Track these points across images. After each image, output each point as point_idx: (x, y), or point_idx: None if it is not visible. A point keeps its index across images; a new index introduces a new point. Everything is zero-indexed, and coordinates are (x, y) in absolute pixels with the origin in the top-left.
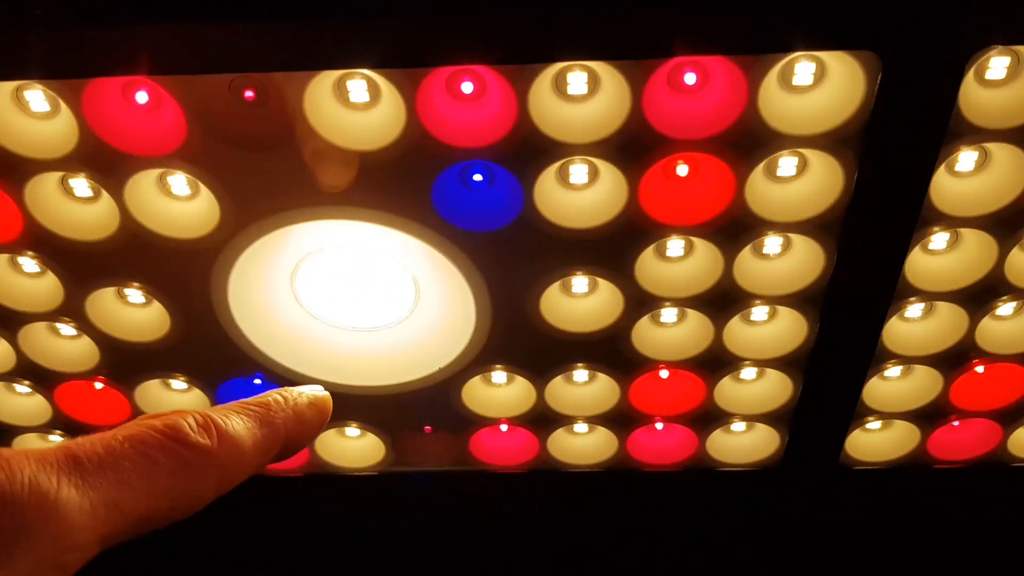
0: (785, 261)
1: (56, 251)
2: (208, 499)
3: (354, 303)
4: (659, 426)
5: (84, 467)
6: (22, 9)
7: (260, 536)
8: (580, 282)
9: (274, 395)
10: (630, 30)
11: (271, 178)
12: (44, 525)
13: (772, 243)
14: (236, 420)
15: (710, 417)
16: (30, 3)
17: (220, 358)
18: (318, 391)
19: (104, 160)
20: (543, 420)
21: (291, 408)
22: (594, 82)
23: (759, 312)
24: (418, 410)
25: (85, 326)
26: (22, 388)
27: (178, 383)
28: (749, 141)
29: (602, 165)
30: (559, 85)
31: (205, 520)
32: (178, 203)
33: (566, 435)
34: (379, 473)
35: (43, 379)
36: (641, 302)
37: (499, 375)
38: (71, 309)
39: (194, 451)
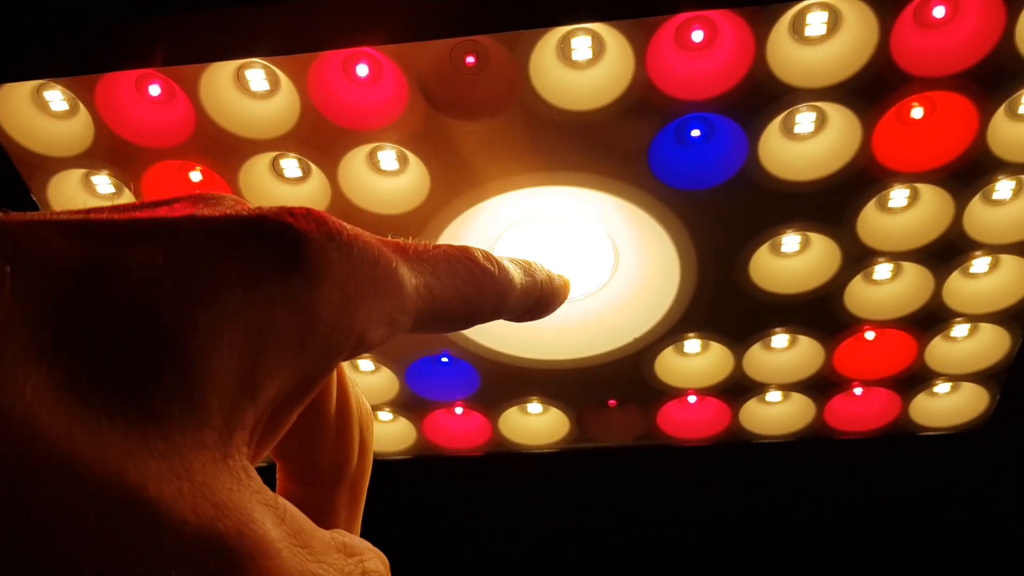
0: (1017, 205)
1: None
2: (484, 318)
3: None
4: (858, 391)
5: (409, 255)
6: None
7: (444, 516)
8: (791, 240)
9: (530, 261)
10: None
11: (482, 148)
12: (388, 283)
13: (1004, 187)
14: (508, 263)
15: (916, 378)
16: None
17: (413, 337)
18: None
19: (322, 138)
20: (738, 389)
21: (546, 273)
22: (835, 20)
23: (980, 263)
24: (605, 383)
25: None
26: None
27: (366, 364)
28: (998, 76)
29: (835, 110)
30: (797, 27)
31: (393, 500)
32: (387, 179)
33: (758, 404)
34: (562, 450)
35: None
36: (858, 258)
37: (693, 344)
38: None
39: (483, 271)
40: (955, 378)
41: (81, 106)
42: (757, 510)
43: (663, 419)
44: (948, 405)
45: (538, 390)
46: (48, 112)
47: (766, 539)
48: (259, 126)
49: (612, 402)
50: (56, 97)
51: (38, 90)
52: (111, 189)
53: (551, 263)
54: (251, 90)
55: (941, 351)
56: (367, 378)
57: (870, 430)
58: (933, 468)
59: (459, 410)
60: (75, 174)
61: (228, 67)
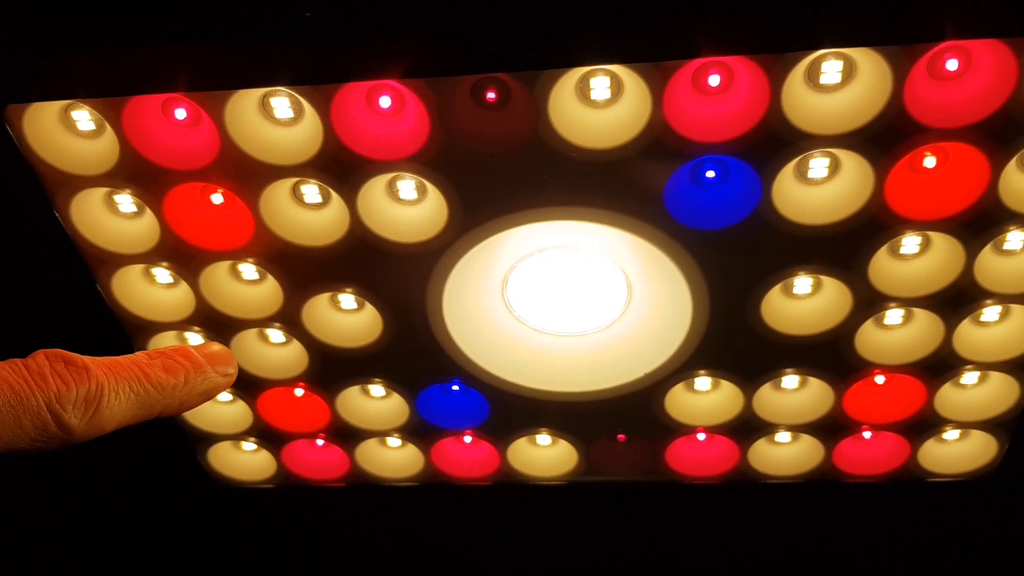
0: None
1: (281, 257)
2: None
3: (562, 308)
4: (867, 435)
5: None
6: (288, 16)
7: (449, 544)
8: (803, 283)
9: (182, 375)
10: (901, 15)
11: (499, 181)
12: None
13: (1015, 238)
14: (121, 401)
15: (926, 424)
16: (300, 6)
17: (424, 364)
18: (219, 381)
19: (342, 166)
20: (747, 428)
21: (179, 396)
22: (850, 70)
23: (991, 312)
24: (615, 417)
25: (298, 332)
26: (223, 395)
27: (377, 389)
28: (1010, 128)
29: (848, 157)
30: (812, 75)
31: (399, 527)
32: (405, 207)
33: (767, 444)
34: (569, 483)
35: (248, 386)
36: (869, 302)
37: (703, 381)
38: (287, 315)
39: (61, 428)
40: (964, 425)
41: (108, 126)
42: (762, 551)
43: (671, 456)
44: (957, 452)
45: (548, 421)
46: (75, 131)
47: None
48: (281, 152)
49: (621, 436)
50: (84, 117)
51: (66, 110)
52: (133, 208)
53: (560, 300)
54: (275, 117)
55: (951, 398)
56: (377, 404)
57: (878, 474)
58: (940, 515)
59: (468, 439)
60: (98, 192)
61: (253, 94)
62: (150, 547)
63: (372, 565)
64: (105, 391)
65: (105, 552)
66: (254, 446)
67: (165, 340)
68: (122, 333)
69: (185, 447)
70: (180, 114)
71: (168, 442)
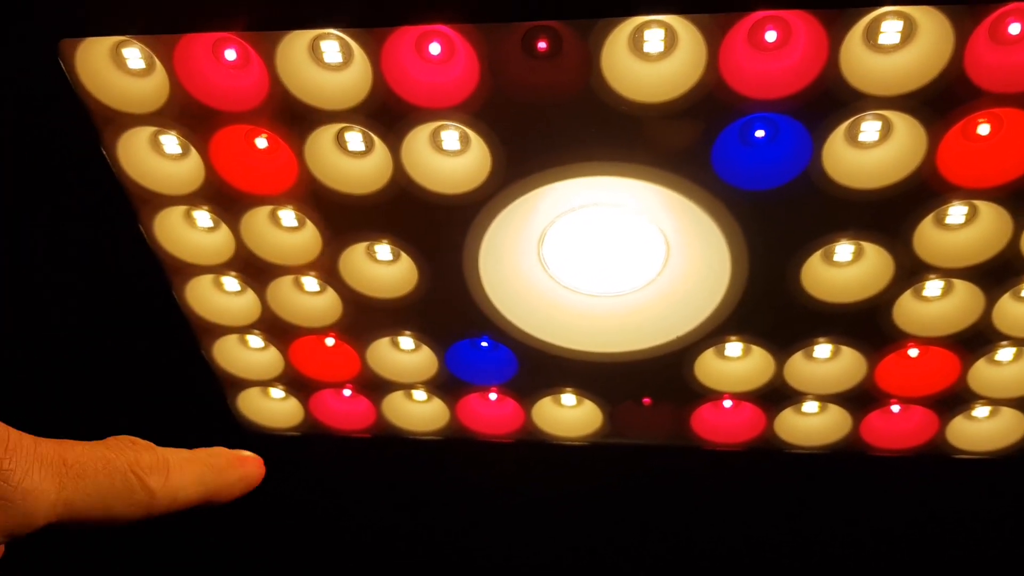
0: None
1: (321, 204)
2: (132, 521)
3: (597, 267)
4: (896, 408)
5: (67, 472)
6: None
7: (468, 501)
8: (845, 249)
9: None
10: None
11: (545, 134)
12: (18, 507)
13: None
14: (185, 475)
15: (956, 399)
16: None
17: (456, 318)
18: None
19: (389, 112)
20: (775, 396)
21: (226, 480)
22: (910, 30)
23: None
24: (642, 380)
25: (333, 281)
26: (256, 342)
27: (407, 342)
28: None
29: (901, 120)
30: (871, 34)
31: (421, 480)
32: (448, 158)
33: (794, 414)
34: (592, 444)
35: (280, 333)
36: (911, 272)
37: (734, 347)
38: (323, 264)
39: (144, 490)
40: (995, 402)
41: (158, 65)
42: (783, 520)
43: (697, 421)
44: (986, 429)
45: (574, 381)
46: (125, 69)
47: (786, 551)
48: (329, 97)
49: (647, 400)
50: (135, 55)
51: (117, 47)
52: (178, 150)
53: (596, 258)
54: (324, 61)
55: (984, 374)
56: (406, 356)
57: (905, 448)
58: (965, 492)
59: (493, 396)
60: (145, 132)
61: (304, 37)
62: None
63: (391, 517)
64: (171, 465)
65: None
66: (283, 394)
67: (202, 283)
68: (161, 274)
69: (216, 392)
70: (230, 55)
71: (199, 387)
